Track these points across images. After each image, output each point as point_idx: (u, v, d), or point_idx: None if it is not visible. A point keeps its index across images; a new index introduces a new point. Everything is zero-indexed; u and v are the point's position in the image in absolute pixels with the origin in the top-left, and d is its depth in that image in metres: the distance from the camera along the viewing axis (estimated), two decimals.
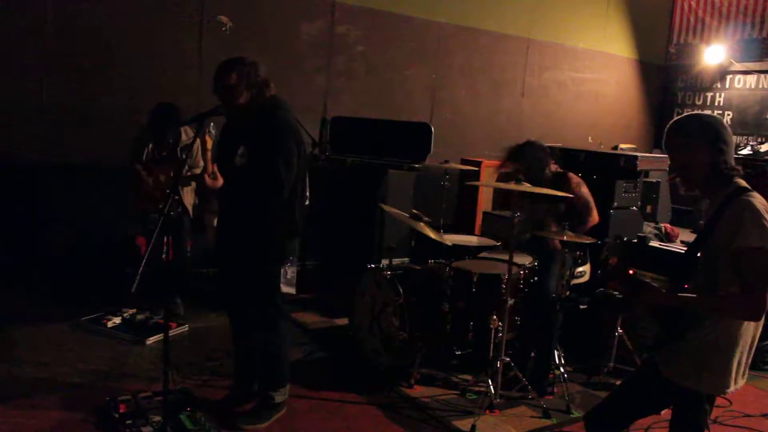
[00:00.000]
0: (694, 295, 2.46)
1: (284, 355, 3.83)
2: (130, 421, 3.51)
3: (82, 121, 6.00)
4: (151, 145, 5.22)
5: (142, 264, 2.96)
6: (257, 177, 3.45)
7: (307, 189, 3.75)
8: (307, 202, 3.76)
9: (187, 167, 5.20)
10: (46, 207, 5.88)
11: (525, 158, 4.69)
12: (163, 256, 4.59)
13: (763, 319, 2.44)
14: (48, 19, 5.79)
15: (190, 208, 5.38)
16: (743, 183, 2.50)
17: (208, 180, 4.20)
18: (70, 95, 5.97)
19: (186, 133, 5.27)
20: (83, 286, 5.66)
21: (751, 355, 2.54)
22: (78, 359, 4.42)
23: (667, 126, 2.62)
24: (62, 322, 5.02)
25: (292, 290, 5.93)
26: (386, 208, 4.76)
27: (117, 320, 5.04)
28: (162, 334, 3.33)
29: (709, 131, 2.51)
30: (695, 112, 2.61)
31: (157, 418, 3.51)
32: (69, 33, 5.89)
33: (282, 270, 5.62)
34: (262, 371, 3.80)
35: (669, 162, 2.62)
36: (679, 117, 2.63)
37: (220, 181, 3.44)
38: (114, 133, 5.98)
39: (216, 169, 3.95)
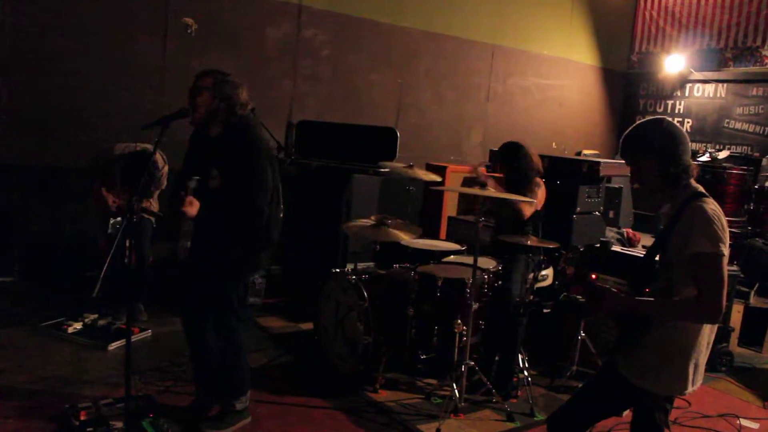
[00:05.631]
0: (653, 300, 2.52)
1: (244, 364, 3.82)
2: (91, 429, 3.45)
3: (41, 123, 5.90)
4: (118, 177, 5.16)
5: (104, 268, 2.92)
6: (234, 203, 3.44)
7: (281, 200, 3.73)
8: (281, 214, 3.75)
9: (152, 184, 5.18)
10: (5, 209, 5.75)
11: (519, 161, 4.76)
12: (126, 260, 4.51)
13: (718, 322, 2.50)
14: (5, 18, 5.68)
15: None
16: (700, 188, 2.57)
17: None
18: (28, 96, 5.87)
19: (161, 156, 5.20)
20: (43, 291, 5.56)
21: (707, 356, 2.60)
22: (37, 365, 4.32)
23: (620, 141, 2.73)
24: (21, 327, 4.91)
25: (258, 300, 5.92)
26: (348, 230, 4.75)
27: (78, 326, 4.94)
28: (124, 340, 3.29)
29: (651, 143, 2.59)
30: (640, 122, 2.71)
31: (119, 425, 3.46)
32: (28, 33, 5.79)
33: (251, 280, 5.60)
34: (222, 380, 3.76)
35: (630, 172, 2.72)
36: (628, 132, 2.71)
37: (195, 208, 3.41)
38: (74, 136, 5.90)
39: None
